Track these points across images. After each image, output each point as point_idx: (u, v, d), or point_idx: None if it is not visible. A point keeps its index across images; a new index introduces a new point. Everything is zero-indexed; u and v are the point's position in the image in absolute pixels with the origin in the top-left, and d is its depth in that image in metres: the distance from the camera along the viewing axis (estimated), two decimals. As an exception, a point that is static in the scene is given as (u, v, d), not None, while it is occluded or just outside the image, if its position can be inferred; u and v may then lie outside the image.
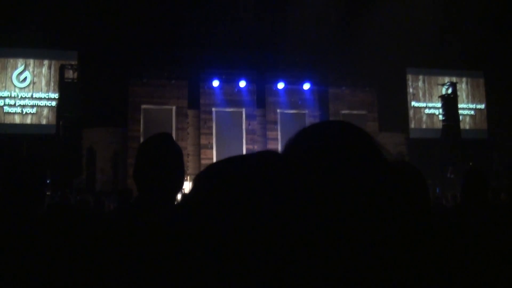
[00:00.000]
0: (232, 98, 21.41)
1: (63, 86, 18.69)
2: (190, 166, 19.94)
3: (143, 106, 20.43)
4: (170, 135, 2.58)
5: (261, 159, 1.02)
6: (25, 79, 20.10)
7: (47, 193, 9.82)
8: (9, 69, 19.96)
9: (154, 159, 2.38)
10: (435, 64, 23.61)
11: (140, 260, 1.26)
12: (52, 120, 19.53)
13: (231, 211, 0.92)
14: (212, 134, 21.09)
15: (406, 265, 1.01)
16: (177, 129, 20.52)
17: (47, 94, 20.15)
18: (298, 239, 0.92)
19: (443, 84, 23.69)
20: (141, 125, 20.20)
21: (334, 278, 0.96)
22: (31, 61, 20.21)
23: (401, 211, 1.04)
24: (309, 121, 22.06)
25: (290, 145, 1.12)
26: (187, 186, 10.30)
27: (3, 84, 19.81)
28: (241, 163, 1.01)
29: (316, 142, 1.07)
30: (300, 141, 1.10)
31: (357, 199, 1.00)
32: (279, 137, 21.63)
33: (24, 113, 19.88)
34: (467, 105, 25.01)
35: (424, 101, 24.68)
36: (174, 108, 20.81)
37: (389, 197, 1.03)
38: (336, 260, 0.98)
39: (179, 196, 2.83)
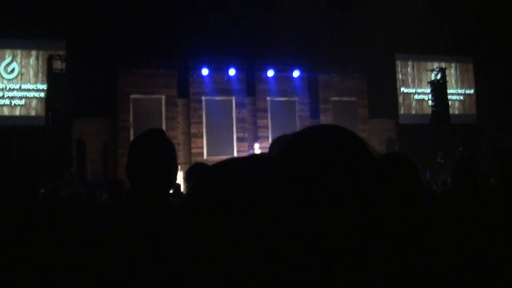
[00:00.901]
0: (222, 86, 21.37)
1: (51, 76, 18.58)
2: (181, 155, 19.92)
3: (132, 96, 20.35)
4: (162, 130, 2.57)
5: (256, 162, 1.02)
6: (13, 70, 19.96)
7: (42, 191, 9.79)
8: (-4, 61, 19.84)
9: (147, 155, 2.37)
10: (424, 49, 23.67)
11: (136, 262, 1.26)
12: (41, 111, 19.43)
13: (228, 214, 0.92)
14: (202, 123, 21.07)
15: (401, 256, 1.01)
16: (167, 118, 20.49)
17: (36, 85, 20.01)
18: (295, 240, 0.92)
19: (432, 70, 23.77)
20: (131, 115, 20.13)
21: (331, 275, 0.97)
22: (19, 52, 20.06)
23: (393, 209, 1.05)
24: (299, 108, 22.12)
25: (283, 150, 1.12)
26: (179, 176, 10.29)
27: (-9, 76, 19.72)
28: (238, 167, 1.01)
29: (308, 146, 1.07)
30: (292, 145, 1.10)
31: (350, 200, 1.01)
32: (269, 125, 21.65)
33: (12, 105, 19.75)
34: (456, 91, 25.10)
35: (414, 87, 24.74)
36: (163, 97, 20.75)
37: (381, 195, 1.03)
38: (332, 258, 0.98)
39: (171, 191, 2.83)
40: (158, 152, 2.40)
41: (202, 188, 0.99)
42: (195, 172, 4.08)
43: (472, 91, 25.44)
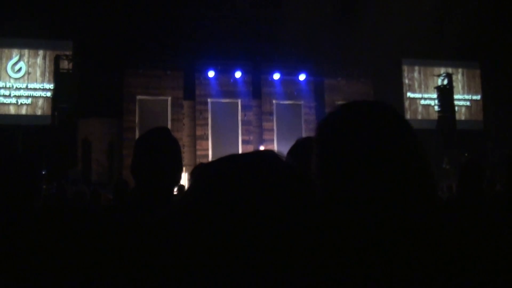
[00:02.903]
0: (228, 89, 21.38)
1: (58, 76, 18.59)
2: (186, 157, 19.90)
3: (138, 97, 20.40)
4: (168, 128, 2.58)
5: (258, 160, 1.01)
6: (20, 69, 20.03)
7: (44, 186, 9.81)
8: (3, 60, 19.87)
9: (152, 153, 2.38)
10: (431, 55, 23.61)
11: (137, 260, 1.25)
12: (47, 110, 19.45)
13: (225, 211, 0.92)
14: (207, 125, 21.08)
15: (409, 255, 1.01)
16: (173, 120, 20.50)
17: (42, 85, 20.08)
18: (291, 243, 0.91)
19: (438, 75, 23.69)
20: (137, 116, 20.18)
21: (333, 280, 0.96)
22: (26, 52, 20.12)
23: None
24: (304, 111, 22.10)
25: (323, 129, 1.12)
26: (184, 178, 10.30)
27: (-2, 75, 19.77)
28: (237, 163, 1.01)
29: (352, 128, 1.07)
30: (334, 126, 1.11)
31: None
32: (274, 128, 21.64)
33: (19, 103, 19.81)
34: (463, 96, 25.02)
35: (420, 92, 24.69)
36: (169, 99, 20.79)
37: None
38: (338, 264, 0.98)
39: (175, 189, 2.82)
40: (163, 150, 2.40)
41: (198, 186, 0.99)
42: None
43: (479, 97, 25.36)
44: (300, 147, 2.76)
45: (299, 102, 22.20)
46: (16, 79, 19.92)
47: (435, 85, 23.61)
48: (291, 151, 2.39)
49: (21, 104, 19.85)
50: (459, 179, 4.39)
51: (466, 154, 20.06)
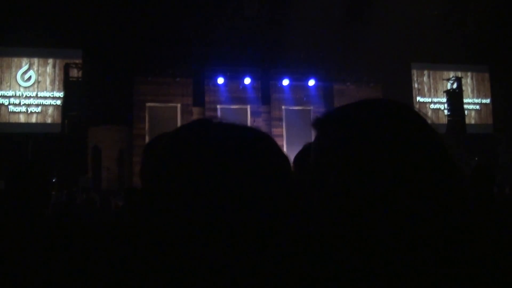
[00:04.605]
0: (237, 95, 21.39)
1: (67, 84, 18.72)
2: (196, 163, 19.87)
3: (148, 104, 20.45)
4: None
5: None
6: (29, 78, 20.12)
7: (53, 193, 9.83)
8: (13, 69, 19.98)
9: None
10: (440, 59, 23.52)
11: (146, 261, 1.25)
12: (57, 119, 19.56)
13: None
14: (217, 131, 21.06)
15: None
16: (182, 126, 20.51)
17: (52, 93, 20.16)
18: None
19: (448, 79, 23.63)
20: (146, 123, 20.23)
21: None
22: (36, 60, 20.22)
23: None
24: (314, 117, 21.99)
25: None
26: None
27: (8, 84, 19.85)
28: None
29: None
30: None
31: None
32: (284, 133, 21.61)
33: (29, 112, 19.90)
34: (472, 100, 24.92)
35: (429, 96, 24.60)
36: (179, 105, 20.82)
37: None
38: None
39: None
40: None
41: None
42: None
43: (488, 101, 25.26)
44: (308, 152, 2.75)
45: (309, 108, 22.16)
46: (26, 87, 20.02)
47: (445, 89, 23.55)
48: (298, 156, 2.39)
49: (31, 112, 19.94)
50: (469, 183, 4.37)
51: (476, 158, 19.97)
